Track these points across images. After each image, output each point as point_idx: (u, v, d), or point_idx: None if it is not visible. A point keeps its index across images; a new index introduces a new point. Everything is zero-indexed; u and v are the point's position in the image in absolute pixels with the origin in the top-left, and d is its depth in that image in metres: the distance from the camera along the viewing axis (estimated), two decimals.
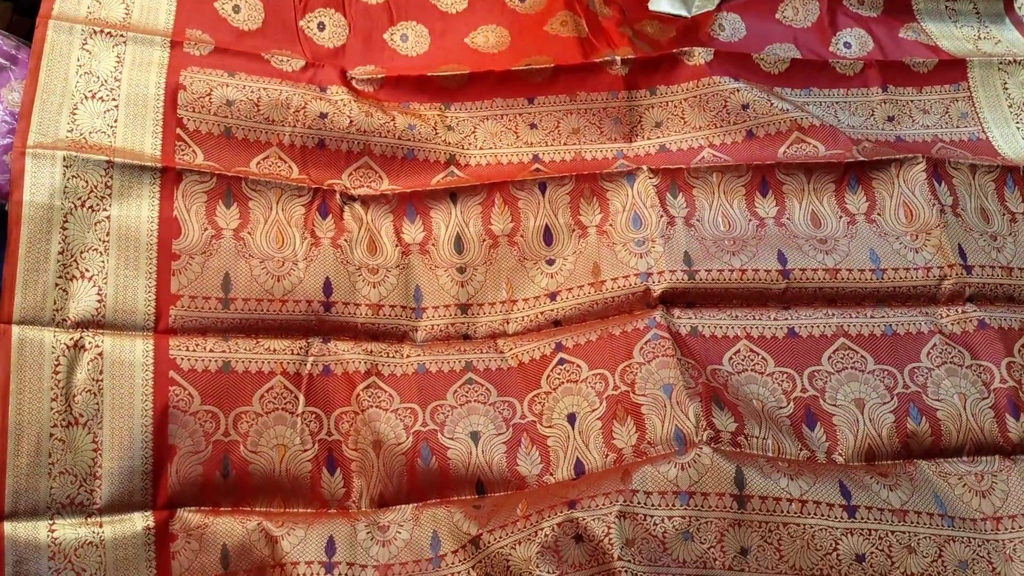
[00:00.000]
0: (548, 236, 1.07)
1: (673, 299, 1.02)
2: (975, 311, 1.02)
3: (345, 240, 1.03)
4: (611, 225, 1.07)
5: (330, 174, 1.08)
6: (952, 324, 1.01)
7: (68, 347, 0.90)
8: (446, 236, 1.06)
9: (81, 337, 0.90)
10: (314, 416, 0.95)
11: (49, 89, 1.00)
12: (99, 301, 0.92)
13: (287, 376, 0.95)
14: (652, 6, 1.26)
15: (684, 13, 1.26)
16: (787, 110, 1.13)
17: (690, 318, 1.00)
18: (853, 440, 0.93)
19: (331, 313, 0.99)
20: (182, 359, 0.92)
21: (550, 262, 1.06)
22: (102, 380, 0.90)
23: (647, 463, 0.88)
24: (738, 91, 1.15)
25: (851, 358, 0.99)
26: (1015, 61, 1.23)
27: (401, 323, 1.02)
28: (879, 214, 1.08)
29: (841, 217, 1.07)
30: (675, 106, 1.18)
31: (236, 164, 1.04)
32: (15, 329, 0.88)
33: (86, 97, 1.01)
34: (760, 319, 1.01)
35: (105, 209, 0.96)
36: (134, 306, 0.93)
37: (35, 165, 0.94)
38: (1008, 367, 0.98)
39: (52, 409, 0.87)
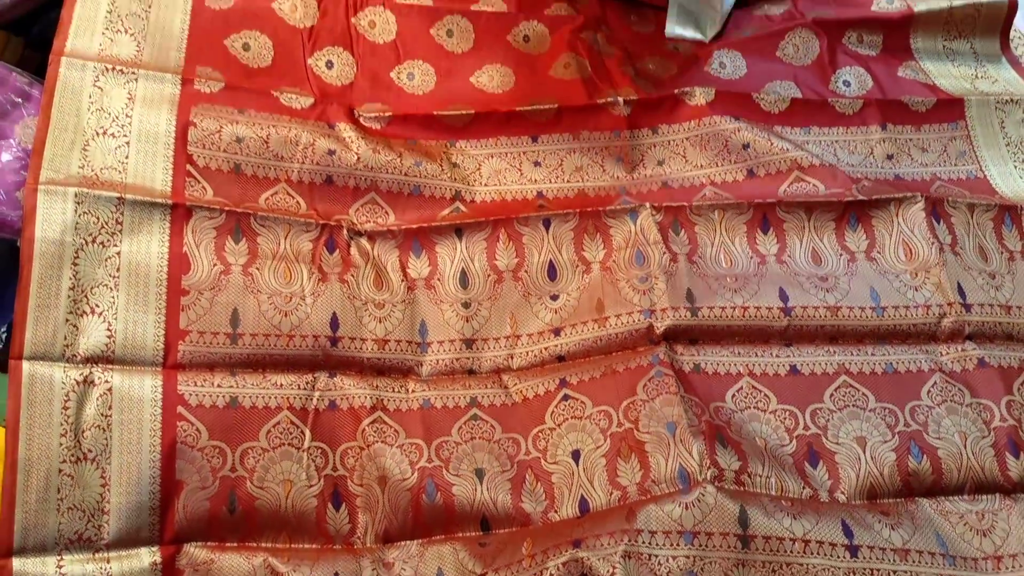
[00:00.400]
0: (552, 271, 1.08)
1: (676, 336, 1.03)
2: (975, 349, 1.03)
3: (352, 275, 1.04)
4: (614, 261, 1.08)
5: (337, 209, 1.09)
6: (952, 362, 1.02)
7: (78, 383, 0.90)
8: (451, 271, 1.07)
9: (91, 372, 0.91)
10: (320, 451, 0.95)
11: (61, 126, 1.01)
12: (109, 336, 0.93)
13: (293, 411, 0.96)
14: (668, 32, 1.28)
15: (701, 38, 1.28)
16: (787, 149, 1.15)
17: (693, 355, 1.02)
18: (855, 478, 0.94)
19: (337, 348, 1.00)
20: (190, 394, 0.93)
21: (554, 297, 1.07)
22: (111, 415, 0.90)
23: (651, 502, 0.89)
24: (739, 131, 1.17)
25: (853, 396, 1.00)
26: (1012, 100, 1.25)
27: (406, 358, 1.03)
28: (879, 252, 1.09)
29: (841, 255, 1.09)
30: (677, 145, 1.20)
31: (245, 200, 1.05)
32: (26, 365, 0.89)
33: (97, 134, 1.02)
34: (762, 356, 1.02)
35: (116, 245, 0.97)
36: (143, 341, 0.94)
37: (47, 201, 0.95)
38: (1008, 405, 0.99)
39: (61, 445, 0.88)
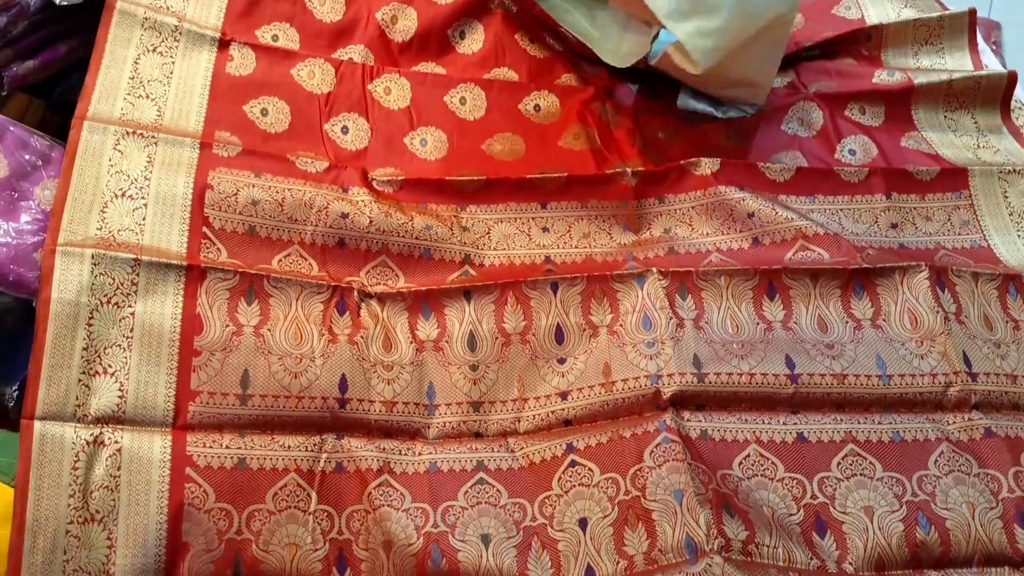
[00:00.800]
0: (560, 335, 1.09)
1: (683, 401, 1.03)
2: (981, 419, 1.03)
3: (361, 337, 1.05)
4: (621, 325, 1.09)
5: (349, 272, 1.11)
6: (959, 431, 1.02)
7: (88, 443, 0.91)
8: (459, 333, 1.08)
9: (101, 432, 0.92)
10: (326, 514, 0.95)
11: (81, 188, 1.04)
12: (120, 397, 0.94)
13: (300, 473, 0.96)
14: (680, 104, 1.30)
15: (712, 112, 1.30)
16: (791, 218, 1.17)
17: (700, 421, 1.02)
18: (863, 549, 0.94)
19: (346, 410, 1.01)
20: (199, 455, 0.94)
21: (561, 361, 1.08)
22: (119, 476, 0.91)
23: (658, 572, 0.88)
24: (743, 200, 1.19)
25: (860, 464, 1.00)
26: (1015, 170, 1.27)
27: (414, 420, 1.03)
28: (884, 320, 1.10)
29: (847, 322, 1.09)
30: (683, 213, 1.22)
31: (259, 262, 1.07)
32: (37, 425, 0.90)
33: (116, 196, 1.05)
34: (769, 423, 1.02)
35: (130, 306, 0.98)
36: (154, 402, 0.95)
37: (64, 263, 0.97)
38: (1015, 476, 0.99)
39: (69, 505, 0.88)
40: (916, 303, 1.10)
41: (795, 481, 0.98)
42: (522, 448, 1.02)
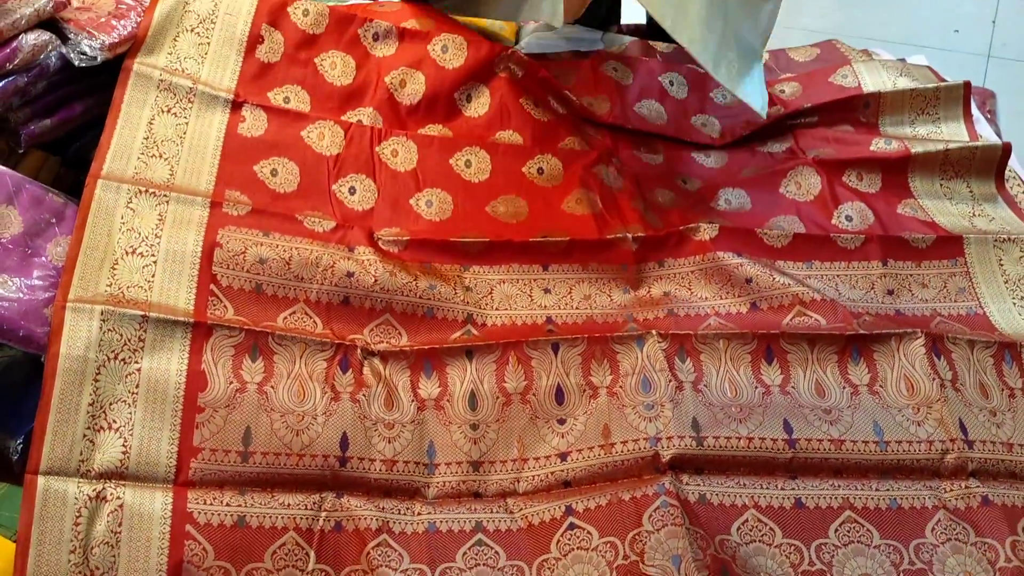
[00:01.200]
0: (560, 396, 1.10)
1: (682, 464, 1.04)
2: (978, 487, 1.04)
3: (363, 395, 1.06)
4: (621, 387, 1.10)
5: (352, 330, 1.12)
6: (956, 499, 1.03)
7: (90, 498, 0.92)
8: (461, 392, 1.09)
9: (104, 488, 0.93)
10: (324, 574, 0.95)
11: (93, 245, 1.06)
12: (123, 452, 0.95)
13: (299, 532, 0.96)
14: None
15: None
16: (789, 284, 1.19)
17: (699, 485, 1.02)
18: None
19: (346, 468, 1.01)
20: (199, 513, 0.94)
21: (561, 421, 1.09)
22: (120, 532, 0.91)
23: None
24: (741, 266, 1.21)
25: (857, 531, 1.00)
26: (1009, 239, 1.29)
27: (414, 479, 1.04)
28: (881, 386, 1.11)
29: (844, 388, 1.11)
30: (682, 277, 1.24)
31: (264, 319, 1.09)
32: (41, 480, 0.91)
33: (127, 253, 1.07)
34: (768, 488, 1.03)
35: (137, 362, 1.00)
36: (157, 458, 0.96)
37: (74, 319, 0.99)
38: (1012, 546, 0.99)
39: (70, 562, 0.88)
40: (912, 370, 1.11)
41: (793, 547, 0.98)
42: (521, 509, 1.02)
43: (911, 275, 1.27)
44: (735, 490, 1.02)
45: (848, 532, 1.00)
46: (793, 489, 1.03)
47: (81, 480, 0.93)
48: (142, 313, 1.01)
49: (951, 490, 1.04)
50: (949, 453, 1.05)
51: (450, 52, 1.38)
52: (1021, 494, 1.04)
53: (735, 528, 0.99)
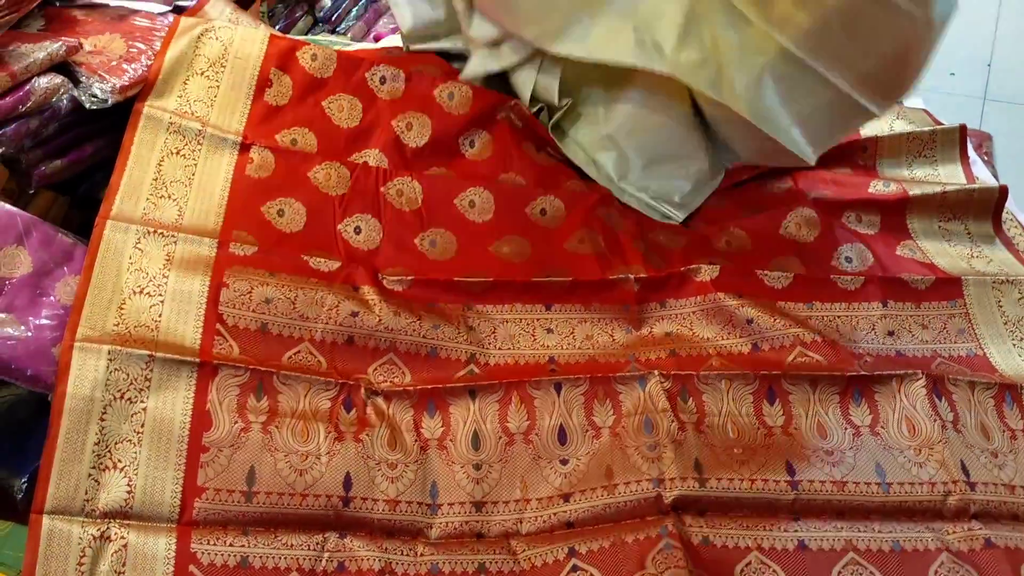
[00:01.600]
0: (562, 436, 1.10)
1: (685, 506, 1.04)
2: (981, 529, 1.04)
3: (367, 434, 1.06)
4: (623, 427, 1.10)
5: (356, 369, 1.13)
6: (959, 541, 1.03)
7: (95, 538, 0.92)
8: (464, 432, 1.09)
9: (108, 528, 0.93)
10: None
11: (101, 285, 1.07)
12: (128, 492, 0.95)
13: (302, 572, 0.96)
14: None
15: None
16: (790, 326, 1.20)
17: (702, 527, 1.02)
18: None
19: (349, 508, 1.01)
20: (202, 553, 0.94)
21: (564, 462, 1.09)
22: (124, 572, 0.91)
23: None
24: (742, 307, 1.22)
25: (860, 573, 1.00)
26: (1008, 280, 1.31)
27: (417, 519, 1.04)
28: (883, 427, 1.11)
29: (846, 429, 1.11)
30: (684, 317, 1.25)
31: (269, 358, 1.09)
32: (46, 520, 0.91)
33: (135, 292, 1.08)
34: (771, 530, 1.03)
35: (143, 401, 1.00)
36: (161, 498, 0.96)
37: (81, 358, 1.00)
38: None
39: None
40: (914, 411, 1.12)
41: None
42: (524, 551, 1.02)
43: (911, 316, 1.28)
44: (738, 532, 1.02)
45: (851, 574, 1.00)
46: (796, 531, 1.03)
47: (86, 520, 0.93)
48: (148, 352, 1.02)
49: (954, 532, 1.04)
50: (951, 495, 1.05)
51: (456, 100, 1.40)
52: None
53: (738, 570, 0.99)
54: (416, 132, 1.38)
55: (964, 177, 1.47)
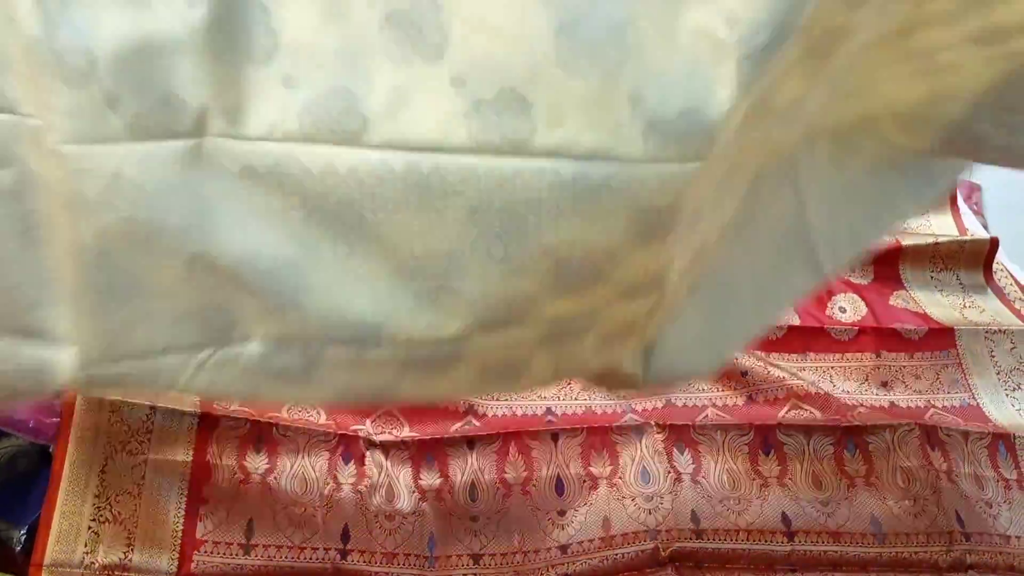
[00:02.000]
0: (560, 487, 1.11)
1: (682, 558, 1.04)
2: None
3: (365, 486, 1.07)
4: (620, 478, 1.11)
5: (355, 420, 1.13)
6: None
7: None
8: (461, 483, 1.10)
9: None
10: None
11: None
12: (127, 545, 0.96)
13: None
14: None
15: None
16: (784, 378, 1.21)
17: None
18: None
19: (347, 561, 1.02)
20: None
21: (561, 513, 1.09)
22: None
23: None
24: (737, 359, 1.23)
25: None
26: (1000, 330, 1.32)
27: (414, 573, 1.04)
28: (877, 477, 1.12)
29: (841, 480, 1.12)
30: None
31: (269, 410, 1.10)
32: (45, 574, 0.91)
33: None
34: None
35: (143, 453, 1.01)
36: (160, 551, 0.97)
37: (83, 410, 1.01)
38: None
39: None
40: (908, 462, 1.12)
41: None
42: None
43: (904, 367, 1.29)
44: None
45: None
46: None
47: (85, 573, 0.93)
48: (150, 404, 1.03)
49: None
50: (947, 547, 1.06)
51: None
52: None
53: None
54: None
55: (955, 227, 1.49)
